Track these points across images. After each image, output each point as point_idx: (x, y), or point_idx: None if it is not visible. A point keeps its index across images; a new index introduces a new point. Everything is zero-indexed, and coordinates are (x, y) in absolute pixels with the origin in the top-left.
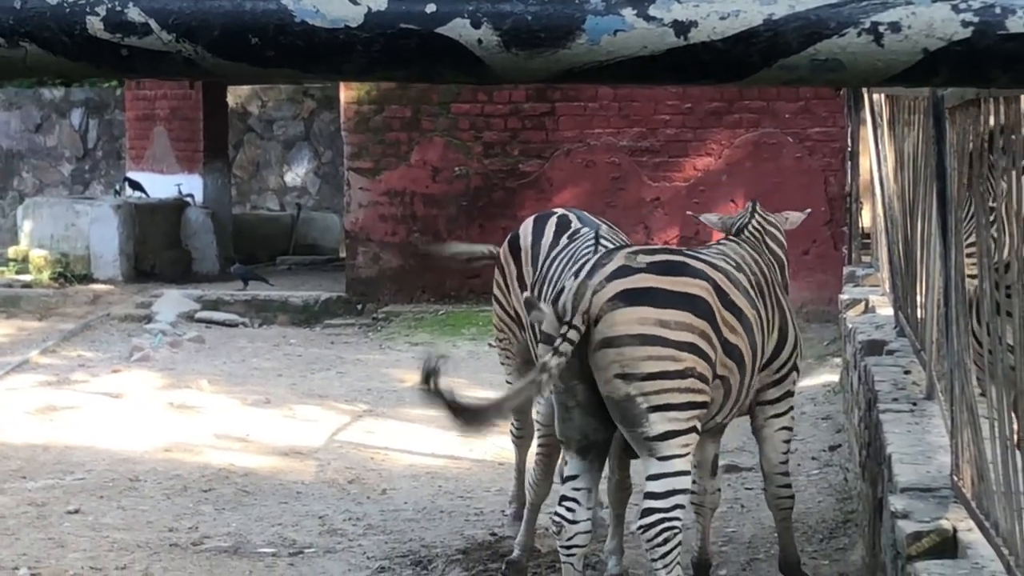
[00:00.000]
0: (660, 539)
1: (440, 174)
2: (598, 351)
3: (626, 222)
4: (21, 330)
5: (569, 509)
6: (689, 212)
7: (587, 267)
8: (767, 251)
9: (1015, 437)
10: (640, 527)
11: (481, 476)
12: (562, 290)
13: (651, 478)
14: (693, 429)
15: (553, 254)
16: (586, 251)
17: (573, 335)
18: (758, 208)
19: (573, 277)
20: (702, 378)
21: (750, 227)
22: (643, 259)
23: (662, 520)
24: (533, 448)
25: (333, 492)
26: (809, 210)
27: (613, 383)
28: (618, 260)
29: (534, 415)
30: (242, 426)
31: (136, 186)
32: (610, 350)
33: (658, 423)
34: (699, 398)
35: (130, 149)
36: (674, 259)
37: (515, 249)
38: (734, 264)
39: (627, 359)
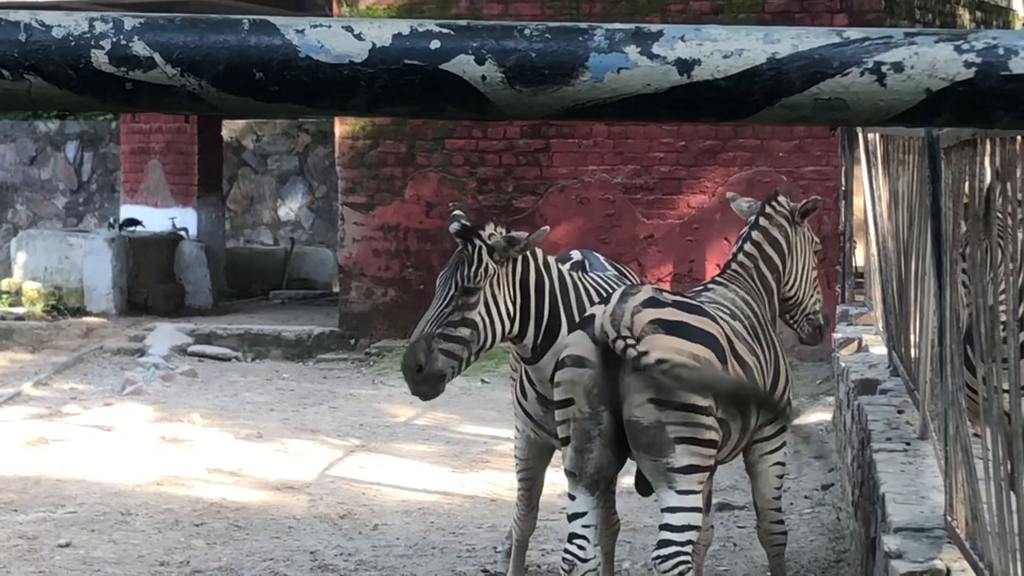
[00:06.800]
0: (676, 572)
1: (434, 209)
2: (635, 372)
3: (620, 259)
4: (13, 362)
5: (580, 547)
6: (730, 194)
7: (616, 296)
8: (758, 281)
9: (1009, 478)
10: (657, 558)
11: (473, 512)
12: (590, 318)
13: (669, 510)
14: (709, 467)
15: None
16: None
17: (632, 342)
18: (760, 220)
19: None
20: (715, 419)
21: (738, 260)
22: (667, 296)
23: (677, 553)
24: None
25: (325, 527)
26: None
27: (645, 407)
28: (647, 291)
29: (512, 450)
30: (234, 460)
31: (133, 223)
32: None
33: (683, 455)
34: (716, 437)
35: (124, 183)
36: (692, 302)
37: None
38: (729, 312)
39: (663, 385)
